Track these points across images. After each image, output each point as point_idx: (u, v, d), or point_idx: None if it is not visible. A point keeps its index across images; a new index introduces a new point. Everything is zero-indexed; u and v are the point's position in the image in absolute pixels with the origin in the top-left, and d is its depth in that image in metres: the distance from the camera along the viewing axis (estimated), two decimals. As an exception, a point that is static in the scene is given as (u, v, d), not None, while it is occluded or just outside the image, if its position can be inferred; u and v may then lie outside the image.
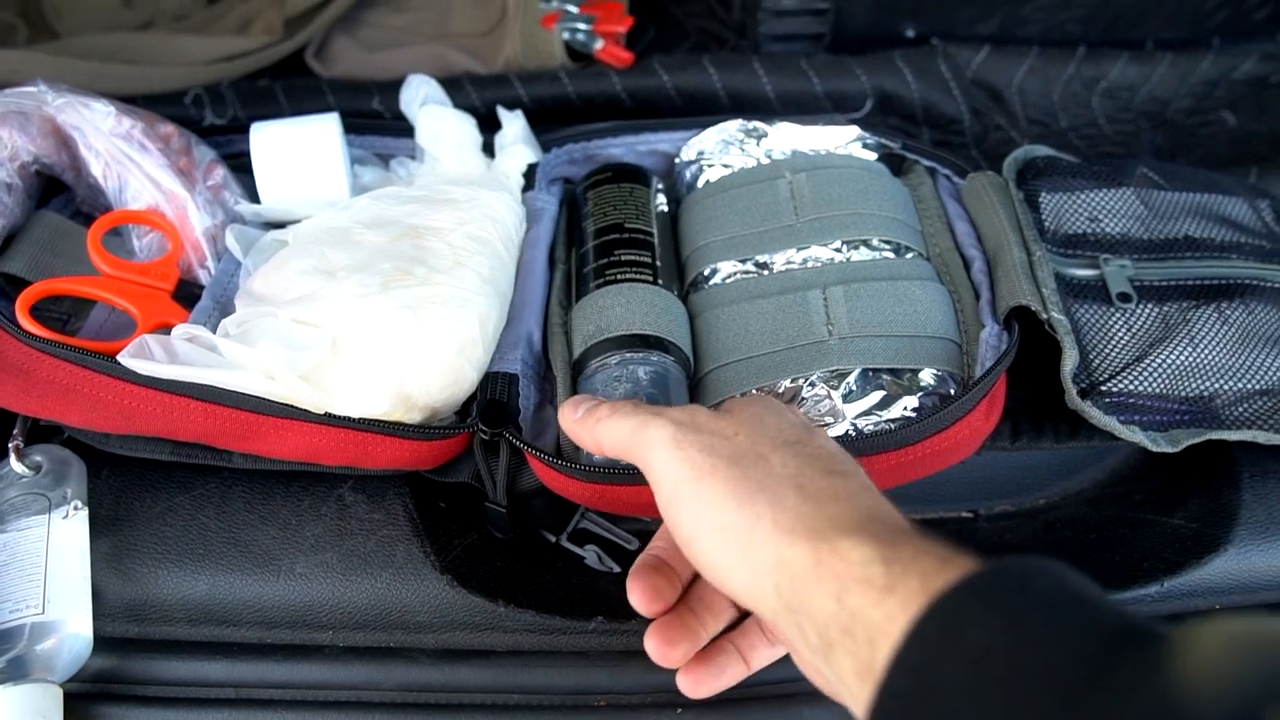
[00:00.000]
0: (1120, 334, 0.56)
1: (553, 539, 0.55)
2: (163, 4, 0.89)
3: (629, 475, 0.48)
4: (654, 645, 0.46)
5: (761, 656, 0.48)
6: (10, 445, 0.54)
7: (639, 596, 0.46)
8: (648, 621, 0.51)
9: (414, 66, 0.79)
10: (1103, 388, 0.55)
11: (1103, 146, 0.85)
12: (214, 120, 0.74)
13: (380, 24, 0.87)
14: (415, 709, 0.50)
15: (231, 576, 0.52)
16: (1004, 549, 0.59)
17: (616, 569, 0.54)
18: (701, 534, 0.40)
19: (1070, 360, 0.54)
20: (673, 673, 0.48)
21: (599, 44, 0.78)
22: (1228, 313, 0.57)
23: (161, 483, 0.55)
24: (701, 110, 0.78)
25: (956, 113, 0.81)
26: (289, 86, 0.78)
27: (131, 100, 0.65)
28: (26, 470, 0.54)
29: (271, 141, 0.61)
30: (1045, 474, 0.61)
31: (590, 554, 0.54)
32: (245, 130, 0.66)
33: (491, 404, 0.53)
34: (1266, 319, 0.58)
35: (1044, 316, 0.55)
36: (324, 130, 0.62)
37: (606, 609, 0.52)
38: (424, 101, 0.67)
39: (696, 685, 0.47)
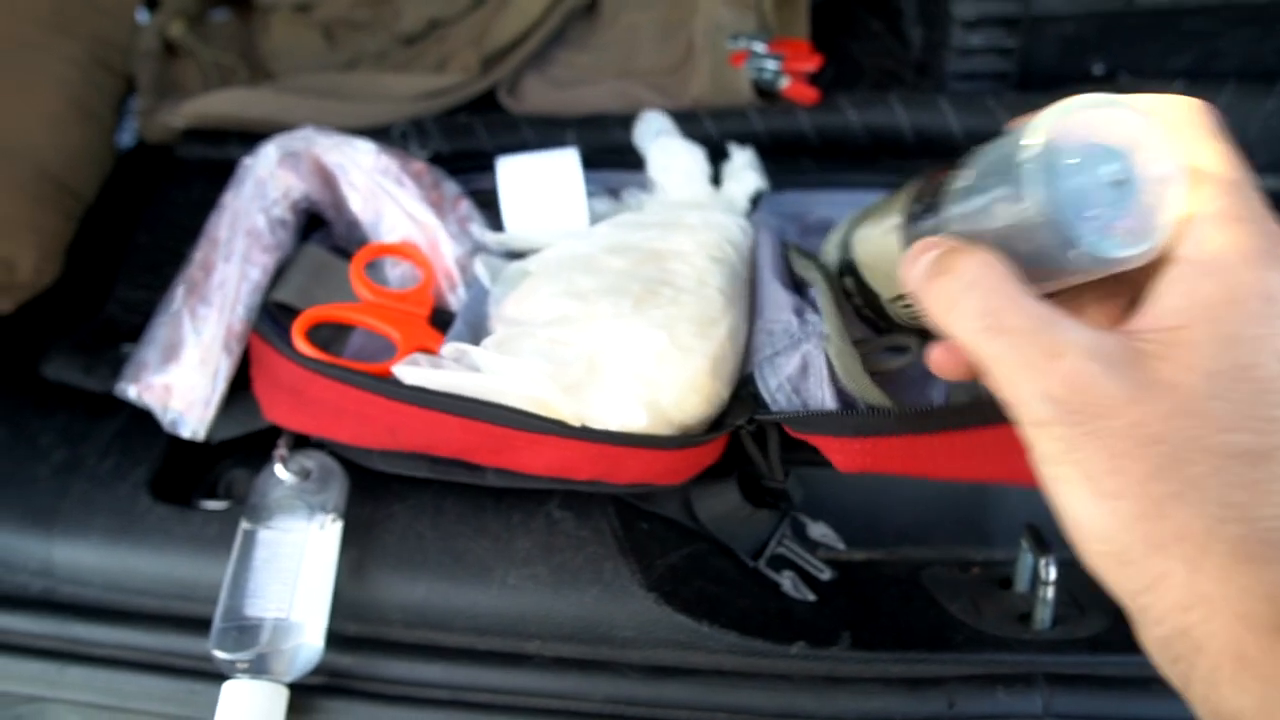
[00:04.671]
0: None
1: (750, 563, 0.56)
2: (365, 44, 0.95)
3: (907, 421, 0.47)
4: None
5: None
6: (275, 454, 0.59)
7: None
8: (849, 650, 0.52)
9: (602, 102, 0.83)
10: None
11: (1304, 185, 0.82)
12: (417, 152, 0.79)
13: (568, 62, 0.91)
14: (623, 722, 0.52)
15: (447, 584, 0.55)
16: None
17: (811, 597, 0.54)
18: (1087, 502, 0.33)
19: None
20: (882, 698, 0.48)
21: (786, 82, 0.79)
22: None
23: (381, 493, 0.58)
24: (887, 148, 0.79)
25: (1148, 150, 0.79)
26: (488, 121, 0.81)
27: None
28: (292, 476, 0.58)
29: (518, 173, 0.65)
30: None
31: (786, 580, 0.55)
32: (478, 168, 0.70)
33: (754, 397, 0.53)
34: None
35: None
36: (566, 162, 0.65)
37: (807, 634, 0.52)
38: (657, 134, 0.70)
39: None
